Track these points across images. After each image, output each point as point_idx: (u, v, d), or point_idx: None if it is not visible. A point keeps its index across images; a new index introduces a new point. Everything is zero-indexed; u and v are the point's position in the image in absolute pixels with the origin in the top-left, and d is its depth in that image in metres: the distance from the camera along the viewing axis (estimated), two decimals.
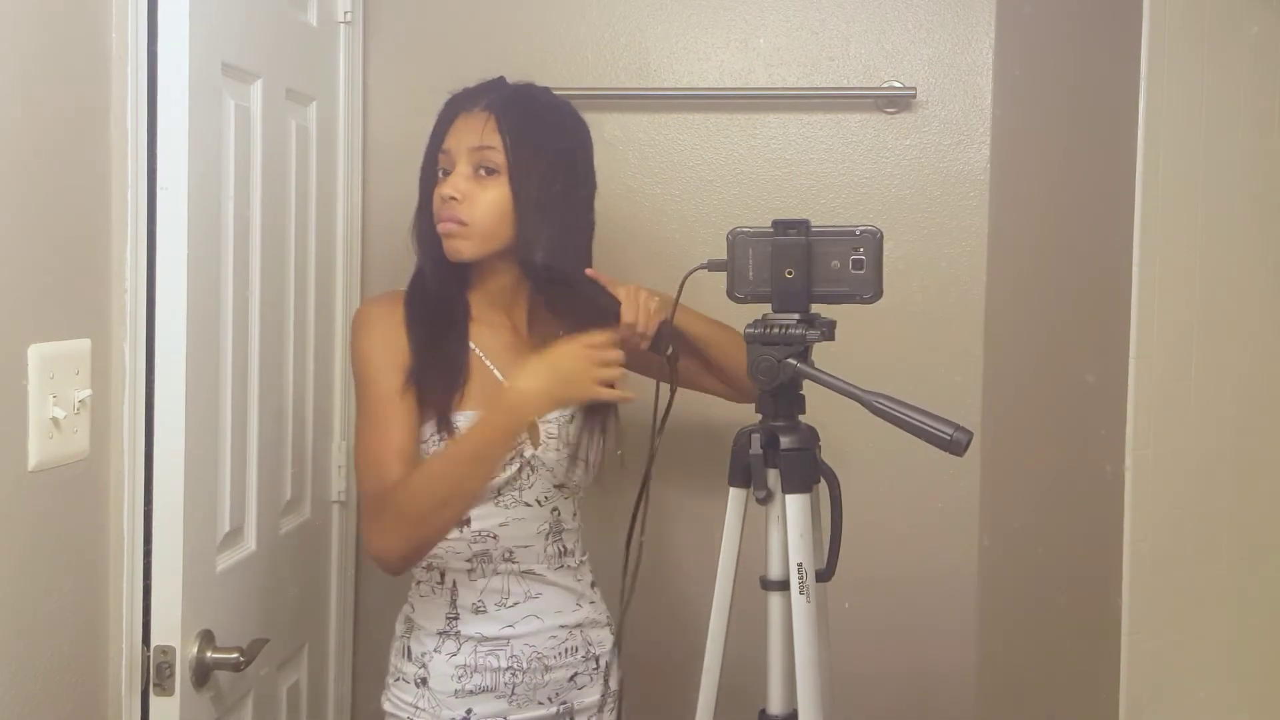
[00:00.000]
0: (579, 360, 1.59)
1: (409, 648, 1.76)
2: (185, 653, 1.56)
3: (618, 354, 1.61)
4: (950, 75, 2.21)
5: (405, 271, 2.24)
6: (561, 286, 1.72)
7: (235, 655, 1.61)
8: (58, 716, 1.42)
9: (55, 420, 1.37)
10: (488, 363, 1.74)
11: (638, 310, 1.69)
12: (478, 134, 1.69)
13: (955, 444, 1.34)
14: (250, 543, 1.79)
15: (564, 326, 1.71)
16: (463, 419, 1.69)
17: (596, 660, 1.79)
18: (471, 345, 1.74)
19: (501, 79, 1.76)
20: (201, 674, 1.59)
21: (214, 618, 1.63)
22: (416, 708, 1.74)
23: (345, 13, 2.15)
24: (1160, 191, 1.67)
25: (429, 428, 1.69)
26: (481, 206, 1.68)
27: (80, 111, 1.43)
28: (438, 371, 1.70)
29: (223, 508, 1.70)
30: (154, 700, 1.54)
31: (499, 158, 1.68)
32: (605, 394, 1.60)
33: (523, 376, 1.60)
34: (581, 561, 1.81)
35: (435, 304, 1.74)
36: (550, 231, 1.70)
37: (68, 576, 1.43)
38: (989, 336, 2.22)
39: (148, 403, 1.54)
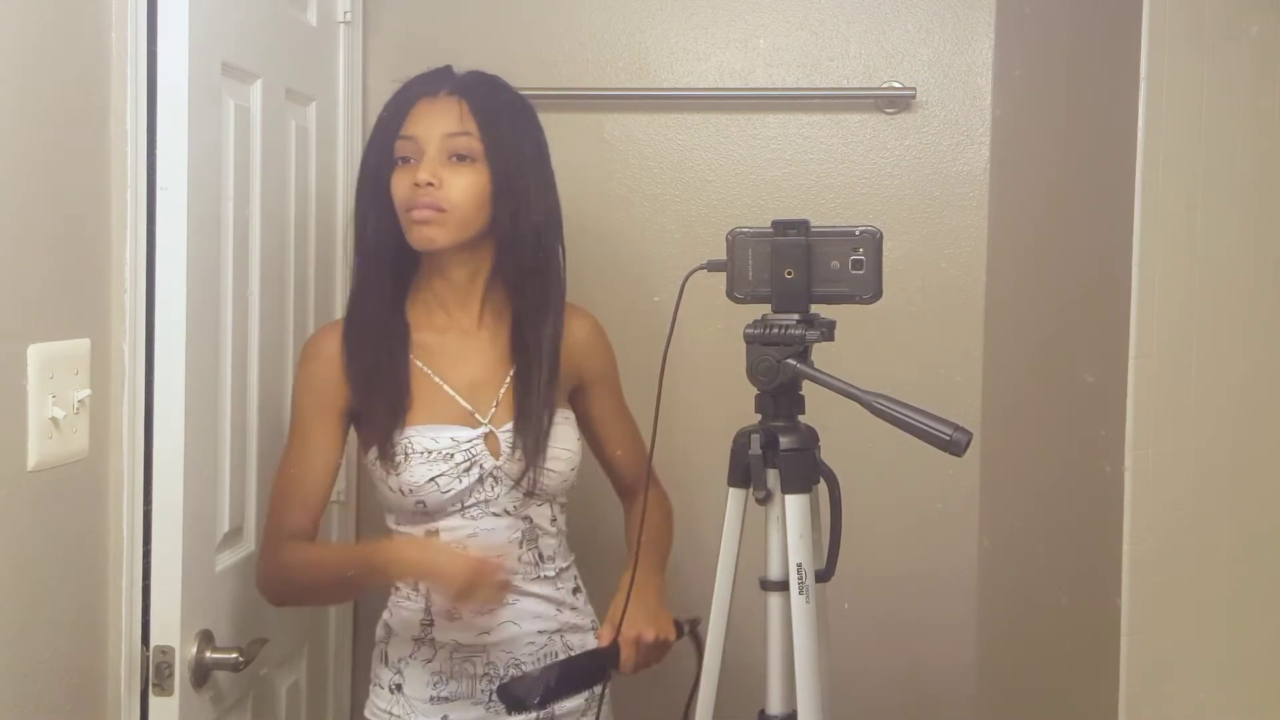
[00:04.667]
0: (463, 577, 1.59)
1: (386, 654, 1.75)
2: (184, 653, 1.56)
3: (499, 589, 1.63)
4: (950, 75, 2.21)
5: None
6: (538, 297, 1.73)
7: (234, 655, 1.61)
8: (57, 716, 1.42)
9: (55, 420, 1.37)
10: (428, 372, 1.72)
11: (639, 657, 1.69)
12: (452, 120, 1.67)
13: (954, 444, 1.33)
14: (250, 542, 1.79)
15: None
16: (414, 433, 1.68)
17: None
18: (413, 359, 1.72)
19: (449, 67, 1.74)
20: (201, 674, 1.59)
21: (213, 618, 1.63)
22: (391, 714, 1.73)
23: (345, 13, 2.15)
24: (1160, 191, 1.67)
25: (374, 452, 1.70)
26: (457, 192, 1.65)
27: (80, 111, 1.43)
28: (381, 402, 1.70)
29: (222, 507, 1.70)
30: (153, 700, 1.54)
31: (475, 144, 1.66)
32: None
33: (408, 550, 1.67)
34: (562, 569, 1.77)
35: (375, 329, 1.72)
36: (529, 217, 1.70)
37: (67, 576, 1.43)
38: (989, 336, 2.22)
39: (147, 402, 1.54)
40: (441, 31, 2.26)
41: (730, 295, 1.47)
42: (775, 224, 1.44)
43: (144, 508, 1.54)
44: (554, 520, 1.76)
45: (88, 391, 1.43)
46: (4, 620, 1.32)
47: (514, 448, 1.69)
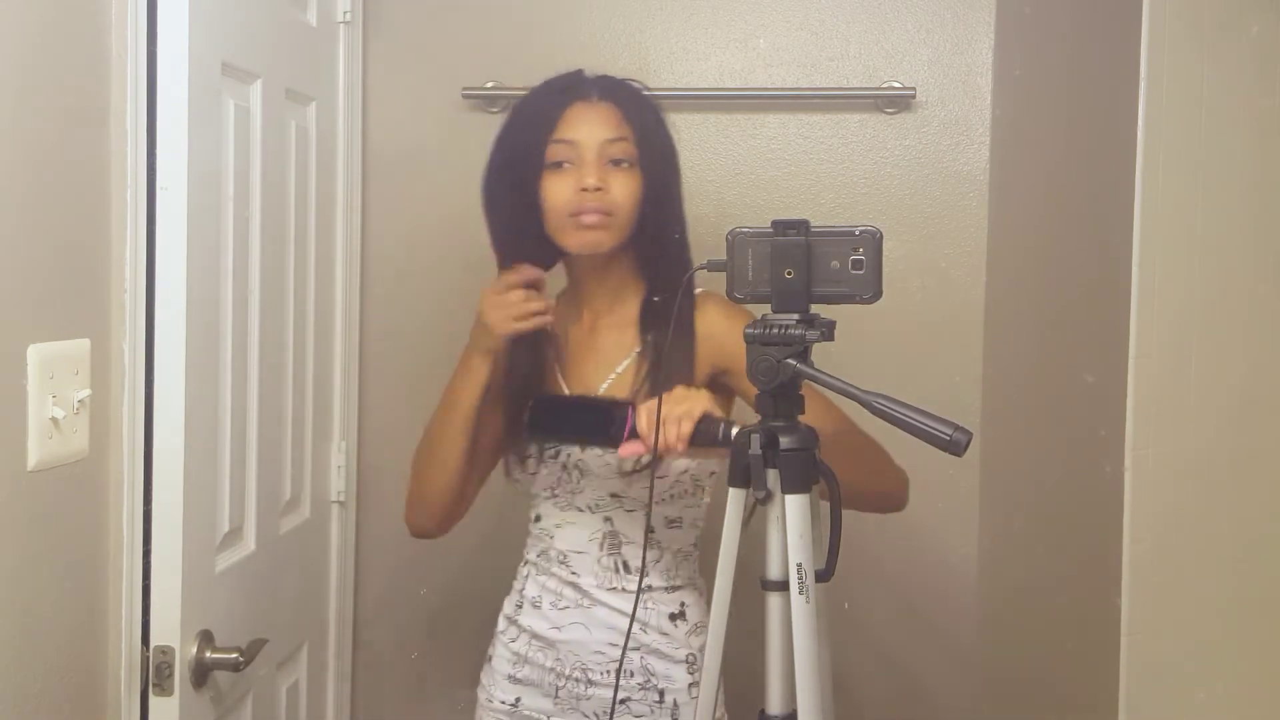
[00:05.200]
0: (484, 307, 1.69)
1: (497, 627, 1.82)
2: (184, 653, 1.56)
3: (519, 294, 1.68)
4: (950, 75, 2.21)
5: (405, 271, 2.25)
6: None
7: (234, 655, 1.61)
8: (57, 716, 1.42)
9: (55, 420, 1.37)
10: (558, 367, 1.77)
11: (654, 425, 1.49)
12: (611, 126, 1.69)
13: (954, 444, 1.33)
14: (250, 543, 1.79)
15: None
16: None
17: (660, 694, 1.71)
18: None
19: (580, 71, 1.76)
20: (201, 674, 1.59)
21: (213, 618, 1.63)
22: (481, 684, 1.82)
23: (345, 13, 2.15)
24: (1160, 191, 1.67)
25: None
26: (621, 196, 1.68)
27: (80, 112, 1.43)
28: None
29: (222, 508, 1.70)
30: (153, 700, 1.54)
31: (631, 149, 1.69)
32: (519, 328, 1.68)
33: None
34: (654, 587, 1.71)
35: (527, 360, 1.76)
36: (674, 219, 1.75)
37: (67, 576, 1.43)
38: (989, 336, 2.21)
39: (147, 403, 1.54)
40: (441, 32, 2.27)
41: (730, 295, 1.47)
42: (775, 224, 1.44)
43: (144, 508, 1.54)
44: (649, 531, 1.71)
45: (88, 391, 1.43)
46: (4, 620, 1.32)
47: None
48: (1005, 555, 2.17)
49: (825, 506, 1.45)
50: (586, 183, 1.65)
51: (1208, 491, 1.71)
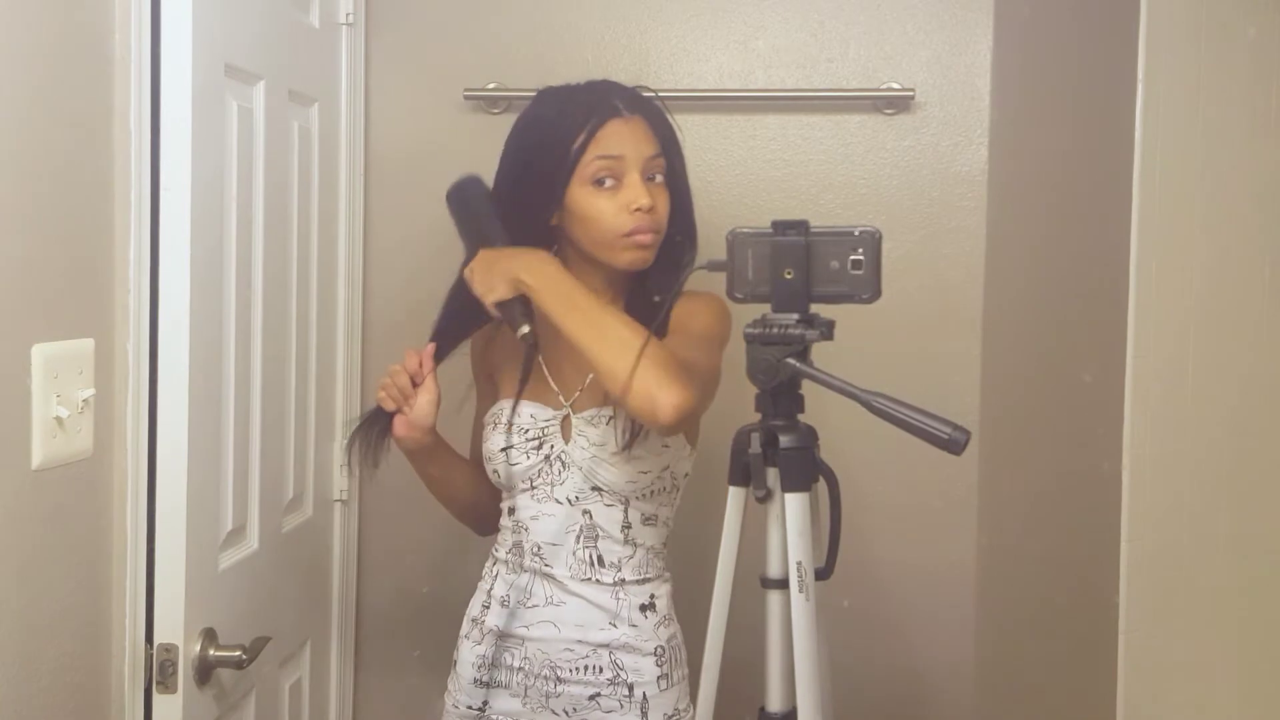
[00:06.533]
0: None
1: (462, 627, 1.82)
2: (188, 651, 1.56)
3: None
4: (949, 76, 2.22)
5: (407, 271, 2.26)
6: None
7: (238, 653, 1.62)
8: (61, 714, 1.42)
9: (59, 420, 1.38)
10: (543, 365, 1.77)
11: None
12: (648, 142, 1.70)
13: (953, 443, 1.34)
14: (253, 541, 1.80)
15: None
16: (505, 405, 1.77)
17: (629, 688, 1.71)
18: None
19: (592, 82, 1.76)
20: (204, 672, 1.60)
21: (217, 616, 1.64)
22: (447, 689, 1.81)
23: (347, 14, 2.16)
24: (1158, 192, 1.68)
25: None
26: (663, 213, 1.70)
27: (84, 113, 1.44)
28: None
29: (225, 507, 1.70)
30: (157, 698, 1.55)
31: (663, 164, 1.71)
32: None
33: None
34: (626, 580, 1.72)
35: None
36: (691, 231, 1.77)
37: (71, 575, 1.44)
38: (987, 336, 2.22)
39: (151, 402, 1.54)
40: (442, 33, 2.27)
41: (730, 295, 1.48)
42: (775, 224, 1.45)
43: (147, 507, 1.55)
44: (626, 527, 1.72)
45: (92, 391, 1.44)
46: (8, 618, 1.33)
47: (584, 435, 1.70)
48: (1004, 554, 2.18)
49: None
50: (641, 203, 1.66)
51: (1205, 491, 1.72)
